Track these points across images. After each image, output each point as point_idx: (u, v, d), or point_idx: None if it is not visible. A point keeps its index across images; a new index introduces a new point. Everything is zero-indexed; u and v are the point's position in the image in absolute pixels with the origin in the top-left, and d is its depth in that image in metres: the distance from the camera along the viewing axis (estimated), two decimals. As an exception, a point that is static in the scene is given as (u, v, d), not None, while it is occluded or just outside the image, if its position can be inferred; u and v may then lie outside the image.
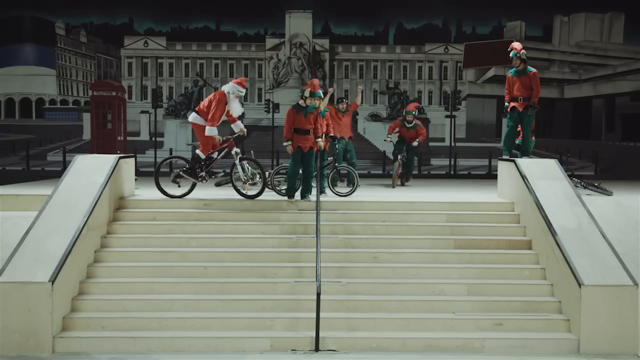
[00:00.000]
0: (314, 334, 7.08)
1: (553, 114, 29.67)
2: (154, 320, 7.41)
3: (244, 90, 9.85)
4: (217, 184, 12.79)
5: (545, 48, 28.69)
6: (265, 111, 28.09)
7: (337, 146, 12.00)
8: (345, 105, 12.93)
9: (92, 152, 13.91)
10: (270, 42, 30.15)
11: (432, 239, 8.87)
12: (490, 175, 18.20)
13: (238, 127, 10.01)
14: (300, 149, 9.79)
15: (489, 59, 22.52)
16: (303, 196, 9.85)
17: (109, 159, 9.47)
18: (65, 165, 20.53)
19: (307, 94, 9.74)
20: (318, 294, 7.11)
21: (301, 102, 9.78)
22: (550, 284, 8.03)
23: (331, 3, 28.18)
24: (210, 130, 9.71)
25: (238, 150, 9.98)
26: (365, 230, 9.02)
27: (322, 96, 9.95)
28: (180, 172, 10.01)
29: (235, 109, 9.91)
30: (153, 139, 26.09)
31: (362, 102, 13.81)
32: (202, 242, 8.73)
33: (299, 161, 9.85)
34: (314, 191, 9.91)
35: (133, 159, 10.57)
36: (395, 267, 8.31)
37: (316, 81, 9.96)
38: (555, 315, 7.65)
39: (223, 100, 9.73)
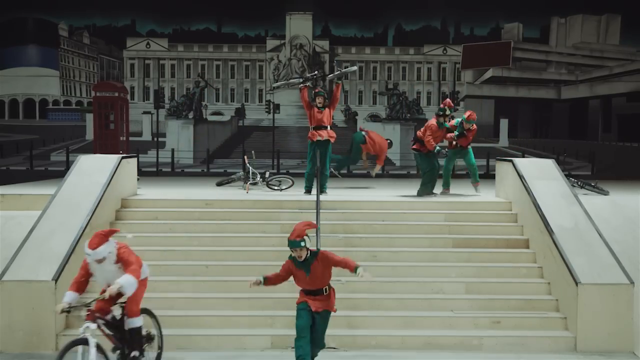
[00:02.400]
0: (314, 331, 7.15)
1: (550, 114, 29.76)
2: (156, 317, 7.49)
3: (92, 253, 5.90)
4: (219, 184, 12.87)
5: (543, 49, 28.73)
6: (266, 112, 28.14)
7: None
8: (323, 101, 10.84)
9: (95, 152, 14.02)
10: (271, 43, 30.22)
11: (431, 238, 8.93)
12: (488, 175, 18.22)
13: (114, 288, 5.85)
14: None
15: (486, 60, 22.58)
16: None
17: (112, 159, 9.53)
18: (68, 165, 20.56)
19: (288, 244, 6.09)
20: (318, 292, 7.14)
21: (294, 253, 6.10)
22: (548, 282, 8.09)
23: (331, 5, 28.24)
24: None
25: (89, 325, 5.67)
26: (364, 229, 9.07)
27: (303, 245, 6.05)
28: None
29: (104, 275, 6.05)
30: (155, 139, 26.19)
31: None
32: (203, 241, 8.79)
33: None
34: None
35: (135, 159, 10.63)
36: (395, 266, 8.38)
37: (299, 227, 6.09)
38: (552, 313, 7.72)
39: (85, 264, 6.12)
